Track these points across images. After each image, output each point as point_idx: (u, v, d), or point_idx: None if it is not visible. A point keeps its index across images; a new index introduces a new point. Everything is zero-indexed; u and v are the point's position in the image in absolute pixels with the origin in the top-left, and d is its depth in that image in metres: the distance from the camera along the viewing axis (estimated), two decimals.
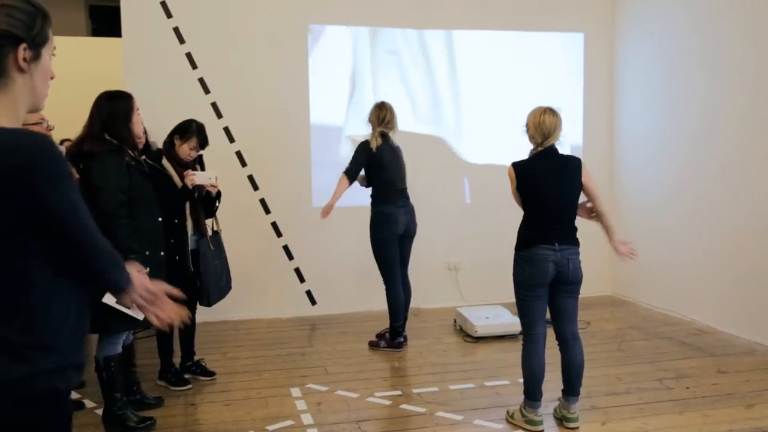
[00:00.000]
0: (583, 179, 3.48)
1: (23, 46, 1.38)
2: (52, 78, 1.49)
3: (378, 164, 4.85)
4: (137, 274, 1.64)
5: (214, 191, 4.12)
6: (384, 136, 4.88)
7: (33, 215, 1.36)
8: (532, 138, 3.49)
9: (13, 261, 1.39)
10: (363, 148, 4.87)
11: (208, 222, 4.25)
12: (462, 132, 6.39)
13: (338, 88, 6.11)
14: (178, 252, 3.98)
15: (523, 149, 3.62)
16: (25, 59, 1.38)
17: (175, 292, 1.74)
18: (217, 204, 4.24)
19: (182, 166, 4.08)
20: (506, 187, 3.54)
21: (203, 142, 4.15)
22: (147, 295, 1.64)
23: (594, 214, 3.59)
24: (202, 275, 4.14)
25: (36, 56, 1.41)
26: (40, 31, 1.41)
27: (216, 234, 4.32)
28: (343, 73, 6.11)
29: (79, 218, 1.44)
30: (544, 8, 6.43)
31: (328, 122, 6.09)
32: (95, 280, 1.57)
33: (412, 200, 5.07)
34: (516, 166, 3.49)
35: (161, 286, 1.69)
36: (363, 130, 5.19)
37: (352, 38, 6.12)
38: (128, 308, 3.30)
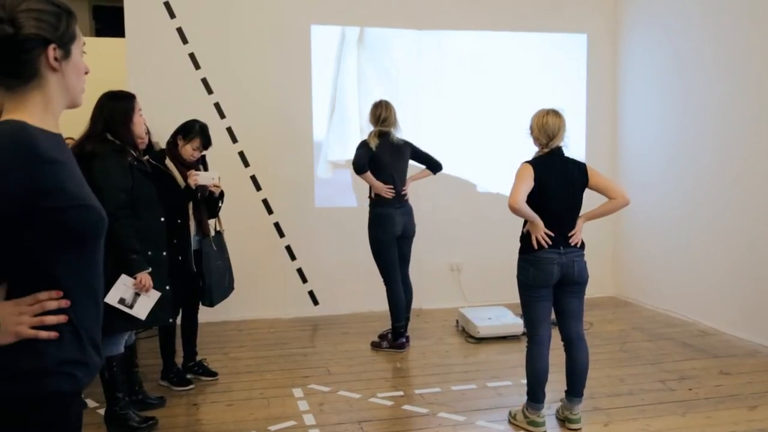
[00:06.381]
0: (595, 180, 3.45)
1: (53, 46, 1.41)
2: (87, 73, 1.52)
3: (376, 165, 4.80)
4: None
5: (217, 191, 4.13)
6: (383, 136, 4.82)
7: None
8: (536, 140, 3.48)
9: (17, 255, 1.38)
10: (362, 146, 4.83)
11: (211, 222, 4.26)
12: (464, 133, 6.37)
13: (331, 87, 6.08)
14: (180, 252, 3.99)
15: (526, 150, 3.60)
16: (56, 58, 1.42)
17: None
18: (220, 204, 4.25)
19: (185, 166, 4.08)
20: (509, 188, 3.42)
21: (206, 143, 4.15)
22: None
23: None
24: (204, 275, 4.14)
25: (66, 54, 1.45)
26: (67, 29, 1.44)
27: (219, 234, 4.32)
28: (332, 72, 6.08)
29: None
30: (547, 9, 6.42)
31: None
32: None
33: (414, 201, 5.06)
34: (533, 163, 3.41)
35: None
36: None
37: (348, 36, 6.11)
38: (130, 308, 3.35)
